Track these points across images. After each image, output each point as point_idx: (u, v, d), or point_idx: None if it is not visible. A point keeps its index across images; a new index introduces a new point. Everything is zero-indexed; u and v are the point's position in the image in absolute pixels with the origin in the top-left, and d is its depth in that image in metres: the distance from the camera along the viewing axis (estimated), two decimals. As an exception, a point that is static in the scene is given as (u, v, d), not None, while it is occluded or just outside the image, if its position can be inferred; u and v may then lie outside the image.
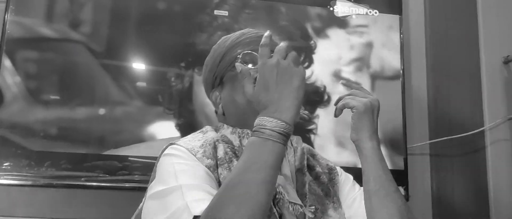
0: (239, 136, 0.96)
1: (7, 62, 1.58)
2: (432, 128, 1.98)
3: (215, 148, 0.93)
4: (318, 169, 1.07)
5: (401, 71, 1.89)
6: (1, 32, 1.62)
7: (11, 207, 1.68)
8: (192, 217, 0.74)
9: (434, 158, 1.97)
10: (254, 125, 0.80)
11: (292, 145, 1.03)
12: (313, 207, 0.95)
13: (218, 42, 1.07)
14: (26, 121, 1.58)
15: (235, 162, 0.90)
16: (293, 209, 0.89)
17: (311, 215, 0.92)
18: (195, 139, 0.96)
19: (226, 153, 0.92)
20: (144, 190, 0.94)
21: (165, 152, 0.92)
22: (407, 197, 1.80)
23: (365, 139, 0.98)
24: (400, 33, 1.92)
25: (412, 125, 1.94)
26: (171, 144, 0.93)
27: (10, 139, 1.57)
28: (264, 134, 0.78)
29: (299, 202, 0.92)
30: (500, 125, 2.01)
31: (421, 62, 2.04)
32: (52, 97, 1.61)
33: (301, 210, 0.90)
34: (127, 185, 1.60)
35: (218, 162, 0.90)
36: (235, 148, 0.94)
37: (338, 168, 1.13)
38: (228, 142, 0.95)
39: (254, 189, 0.73)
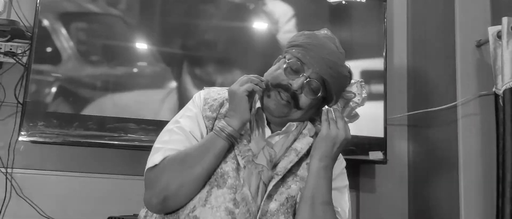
0: None
1: (63, 31, 1.90)
2: (410, 102, 2.24)
3: (222, 105, 1.20)
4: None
5: (384, 52, 2.14)
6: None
7: (43, 162, 1.97)
8: (158, 160, 1.10)
9: (412, 128, 2.24)
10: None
11: (302, 131, 1.24)
12: (273, 173, 1.15)
13: None
14: (78, 75, 1.89)
15: None
16: (256, 168, 1.12)
17: (266, 173, 1.13)
18: (220, 91, 1.25)
19: (227, 110, 1.19)
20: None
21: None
22: (385, 161, 2.06)
23: (315, 159, 1.14)
24: (384, 18, 2.17)
25: (392, 99, 2.20)
26: (205, 88, 1.25)
27: (41, 103, 1.85)
28: (216, 131, 1.11)
29: (264, 164, 1.14)
30: (471, 101, 2.26)
31: (403, 44, 2.29)
32: (96, 58, 1.93)
33: (261, 170, 1.12)
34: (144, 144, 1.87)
35: (218, 116, 1.18)
36: None
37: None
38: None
39: (194, 165, 1.08)
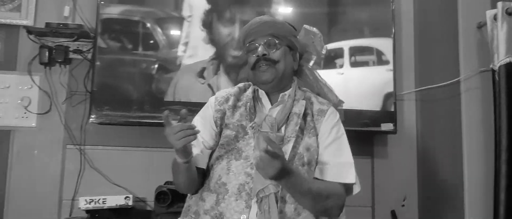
0: (242, 88, 1.56)
1: (120, 30, 2.32)
2: (418, 79, 2.55)
3: (227, 100, 1.52)
4: (309, 112, 1.50)
5: (392, 35, 2.43)
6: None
7: (108, 139, 2.38)
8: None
9: (419, 103, 2.55)
10: None
11: (295, 97, 1.50)
12: (282, 134, 1.42)
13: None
14: (134, 67, 2.29)
15: (236, 107, 1.50)
16: (261, 135, 1.36)
17: (272, 135, 1.39)
18: (227, 90, 1.57)
19: (233, 101, 1.51)
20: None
21: None
22: (395, 131, 2.38)
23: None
24: (392, 7, 2.45)
25: (401, 77, 2.50)
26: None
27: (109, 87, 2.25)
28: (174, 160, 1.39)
29: (268, 130, 1.40)
30: (472, 77, 2.56)
31: (410, 27, 2.58)
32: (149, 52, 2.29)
33: (268, 134, 1.36)
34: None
35: (226, 109, 1.49)
36: (238, 97, 1.53)
37: (329, 111, 1.51)
38: (235, 94, 1.53)
39: (178, 179, 1.42)
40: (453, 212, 2.50)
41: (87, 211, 2.17)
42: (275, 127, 1.43)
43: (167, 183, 2.18)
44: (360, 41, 2.44)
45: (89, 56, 2.34)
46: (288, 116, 1.47)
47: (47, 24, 2.22)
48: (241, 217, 1.35)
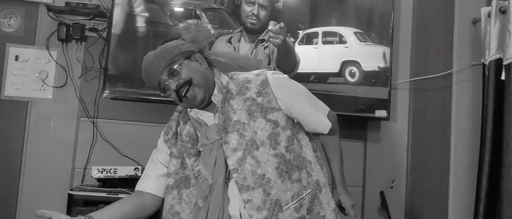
0: (181, 111, 1.58)
1: (135, 10, 2.44)
2: (413, 70, 2.69)
3: (170, 128, 1.59)
4: (249, 94, 1.43)
5: (391, 29, 2.56)
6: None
7: (120, 114, 2.53)
8: None
9: (413, 92, 2.70)
10: None
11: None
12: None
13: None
14: (147, 46, 2.38)
15: (178, 135, 1.54)
16: (209, 147, 1.45)
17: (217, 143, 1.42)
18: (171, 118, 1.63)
19: (174, 128, 1.57)
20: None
21: None
22: (388, 118, 2.54)
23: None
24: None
25: (397, 67, 2.65)
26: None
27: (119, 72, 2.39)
28: None
29: (216, 137, 1.42)
30: (464, 70, 2.71)
31: (408, 21, 2.71)
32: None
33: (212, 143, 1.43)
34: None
35: (171, 138, 1.56)
36: (178, 123, 1.57)
37: (269, 78, 1.44)
38: (175, 119, 1.59)
39: None
40: (439, 195, 2.69)
41: (99, 180, 2.33)
42: (220, 131, 1.42)
43: (174, 156, 2.35)
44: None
45: (104, 34, 2.47)
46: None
47: (67, 3, 2.35)
48: None
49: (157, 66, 1.43)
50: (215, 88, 1.47)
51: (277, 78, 1.47)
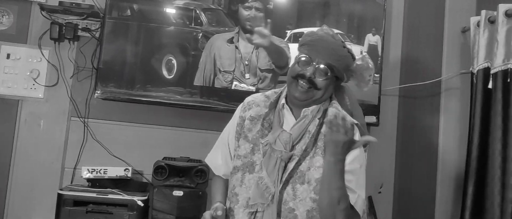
0: (269, 96, 1.61)
1: (128, 11, 2.45)
2: (402, 76, 2.73)
3: (250, 107, 1.59)
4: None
5: (382, 35, 2.59)
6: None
7: (111, 114, 2.53)
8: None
9: (402, 99, 2.73)
10: None
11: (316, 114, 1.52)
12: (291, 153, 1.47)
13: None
14: (139, 47, 2.41)
15: (258, 118, 1.57)
16: (274, 152, 1.48)
17: (285, 154, 1.46)
18: (256, 96, 1.64)
19: (255, 112, 1.58)
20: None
21: None
22: (378, 123, 2.57)
23: (327, 155, 1.42)
24: (384, 7, 2.61)
25: (387, 74, 2.68)
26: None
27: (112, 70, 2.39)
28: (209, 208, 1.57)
29: (282, 149, 1.46)
30: (453, 77, 2.75)
31: (399, 28, 2.75)
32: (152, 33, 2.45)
33: (280, 154, 1.46)
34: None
35: (246, 119, 1.57)
36: (262, 107, 1.59)
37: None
38: (260, 103, 1.60)
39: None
40: (426, 201, 2.72)
41: (88, 180, 2.34)
42: (289, 145, 1.48)
43: (164, 158, 2.36)
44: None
45: (97, 34, 2.47)
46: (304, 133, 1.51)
47: (60, 3, 2.35)
48: None
49: (326, 53, 1.48)
50: (316, 107, 1.52)
51: (358, 148, 1.48)
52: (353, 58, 1.56)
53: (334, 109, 1.50)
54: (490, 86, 2.43)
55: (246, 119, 1.58)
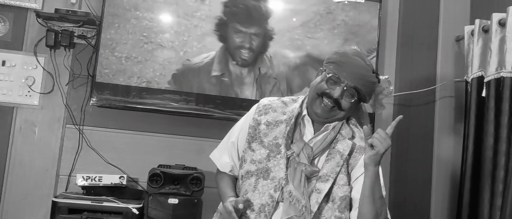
0: (287, 103, 1.62)
1: (124, 19, 2.46)
2: (397, 84, 2.74)
3: (266, 111, 1.59)
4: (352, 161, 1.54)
5: (376, 45, 2.61)
6: None
7: (106, 121, 2.53)
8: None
9: (397, 107, 2.75)
10: None
11: (340, 132, 1.55)
12: (317, 169, 1.49)
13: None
14: (135, 55, 2.40)
15: (275, 124, 1.56)
16: (298, 165, 1.48)
17: (309, 168, 1.48)
18: (271, 100, 1.64)
19: (272, 117, 1.57)
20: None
21: None
22: (373, 131, 2.57)
23: (371, 166, 1.45)
24: (379, 16, 2.63)
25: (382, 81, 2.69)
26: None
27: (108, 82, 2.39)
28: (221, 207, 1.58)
29: (306, 163, 1.47)
30: (447, 86, 2.77)
31: (394, 38, 2.77)
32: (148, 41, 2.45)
33: (304, 168, 1.47)
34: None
35: (262, 123, 1.57)
36: (279, 113, 1.59)
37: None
38: (277, 109, 1.59)
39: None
40: (421, 209, 2.73)
41: (83, 187, 2.33)
42: (310, 158, 1.50)
43: (160, 166, 2.35)
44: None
45: (93, 42, 2.48)
46: (328, 151, 1.52)
47: (57, 10, 2.35)
48: None
49: (356, 76, 1.49)
50: (338, 124, 1.55)
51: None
52: (379, 83, 1.60)
53: (367, 128, 1.50)
54: (483, 94, 2.44)
55: (262, 124, 1.57)
